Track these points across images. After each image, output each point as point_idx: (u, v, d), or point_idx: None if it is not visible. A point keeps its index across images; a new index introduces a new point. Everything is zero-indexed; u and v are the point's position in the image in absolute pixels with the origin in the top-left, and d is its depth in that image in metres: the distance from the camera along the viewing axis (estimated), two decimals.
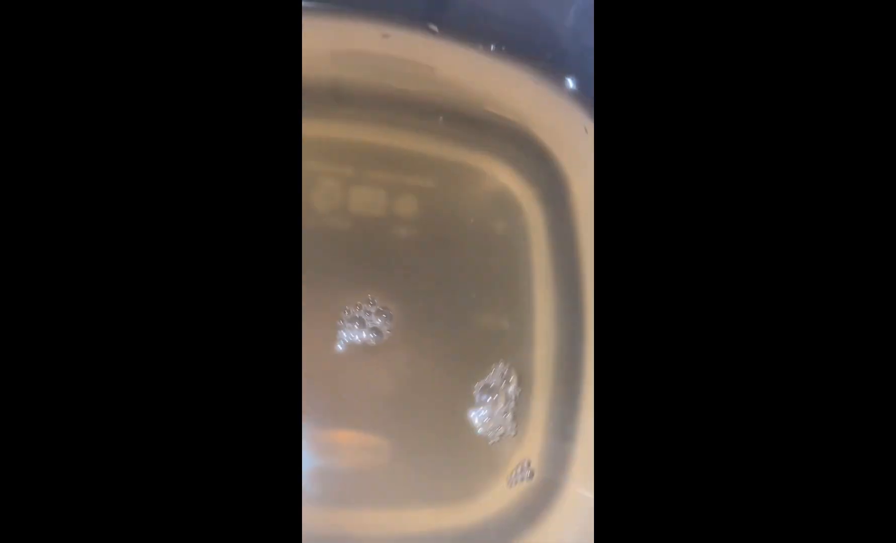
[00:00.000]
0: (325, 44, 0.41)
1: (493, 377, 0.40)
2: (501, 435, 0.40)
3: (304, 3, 0.41)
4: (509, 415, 0.40)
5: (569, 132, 0.45)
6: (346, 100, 0.42)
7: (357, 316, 0.39)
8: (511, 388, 0.40)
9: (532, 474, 0.40)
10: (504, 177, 0.44)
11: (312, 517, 0.37)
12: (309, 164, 0.40)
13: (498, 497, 0.39)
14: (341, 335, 0.39)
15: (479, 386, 0.40)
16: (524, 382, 0.41)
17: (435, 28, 0.42)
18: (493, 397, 0.40)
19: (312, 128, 0.41)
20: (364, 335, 0.39)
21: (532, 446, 0.40)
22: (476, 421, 0.40)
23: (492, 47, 0.43)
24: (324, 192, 0.40)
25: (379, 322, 0.39)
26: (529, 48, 0.43)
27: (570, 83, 0.44)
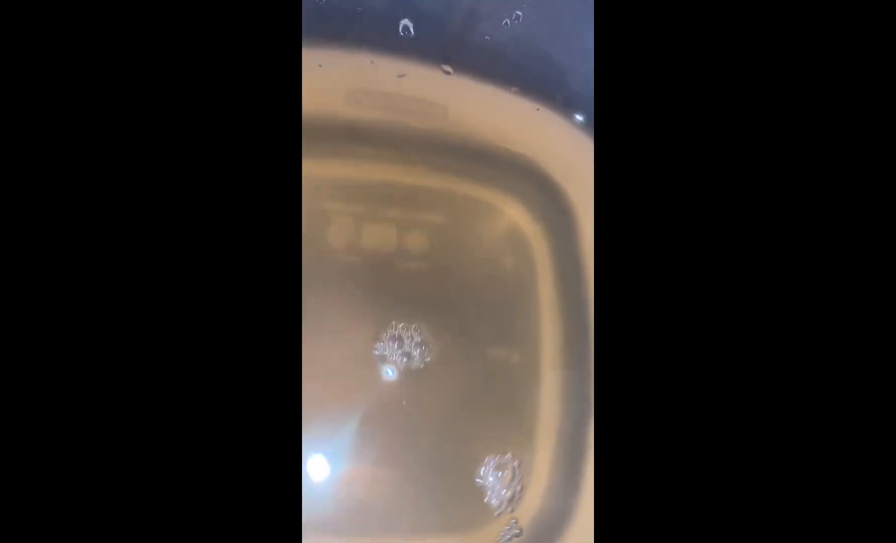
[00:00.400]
0: (340, 83, 0.43)
1: (496, 470, 0.40)
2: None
3: (320, 43, 0.42)
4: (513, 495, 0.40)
5: (576, 167, 0.46)
6: (361, 138, 0.43)
7: (378, 352, 0.40)
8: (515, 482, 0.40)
9: (521, 531, 0.40)
10: (513, 211, 0.45)
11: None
12: (325, 202, 0.42)
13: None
14: (355, 368, 0.40)
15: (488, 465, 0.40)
16: (530, 412, 0.41)
17: (449, 69, 0.43)
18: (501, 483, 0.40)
19: (329, 167, 0.42)
20: (381, 371, 0.40)
21: (533, 492, 0.41)
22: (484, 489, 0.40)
23: (507, 88, 0.44)
24: (339, 228, 0.41)
25: (395, 356, 0.40)
26: (541, 88, 0.44)
27: (580, 120, 0.45)
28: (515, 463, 0.40)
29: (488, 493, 0.39)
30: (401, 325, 0.40)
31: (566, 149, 0.45)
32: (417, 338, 0.41)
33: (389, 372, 0.40)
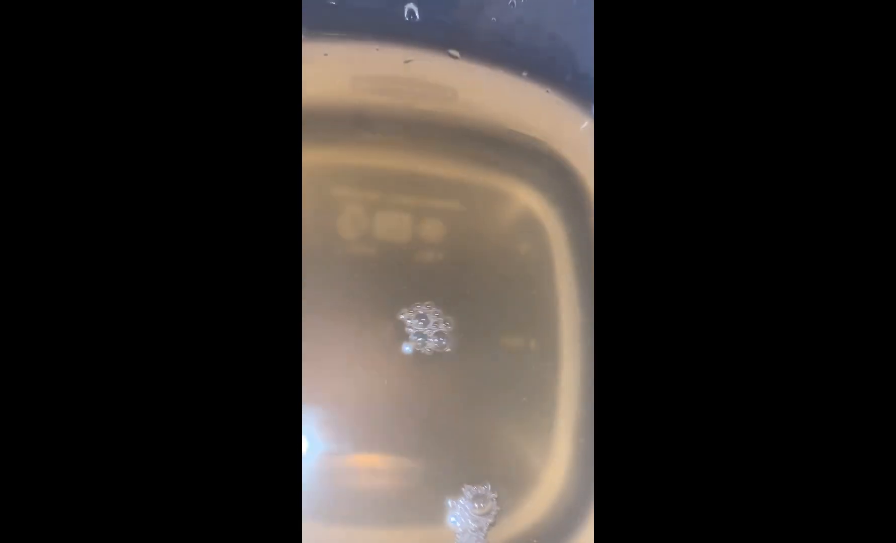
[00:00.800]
0: (348, 69, 0.42)
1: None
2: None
3: (326, 32, 0.42)
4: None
5: (588, 149, 0.45)
6: (369, 124, 0.43)
7: (391, 341, 0.40)
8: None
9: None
10: (527, 196, 0.44)
11: (327, 535, 0.37)
12: (334, 190, 0.41)
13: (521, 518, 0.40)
14: (370, 359, 0.39)
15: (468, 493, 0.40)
16: (550, 399, 0.41)
17: (456, 53, 0.43)
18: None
19: (336, 155, 0.42)
20: (402, 355, 0.40)
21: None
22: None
23: (516, 70, 0.44)
24: (350, 218, 0.41)
25: (407, 347, 0.40)
26: (550, 70, 0.44)
27: (589, 100, 0.45)
28: (494, 496, 0.40)
29: (456, 517, 0.39)
30: (423, 306, 0.40)
31: (577, 131, 0.45)
32: (440, 327, 0.40)
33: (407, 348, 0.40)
